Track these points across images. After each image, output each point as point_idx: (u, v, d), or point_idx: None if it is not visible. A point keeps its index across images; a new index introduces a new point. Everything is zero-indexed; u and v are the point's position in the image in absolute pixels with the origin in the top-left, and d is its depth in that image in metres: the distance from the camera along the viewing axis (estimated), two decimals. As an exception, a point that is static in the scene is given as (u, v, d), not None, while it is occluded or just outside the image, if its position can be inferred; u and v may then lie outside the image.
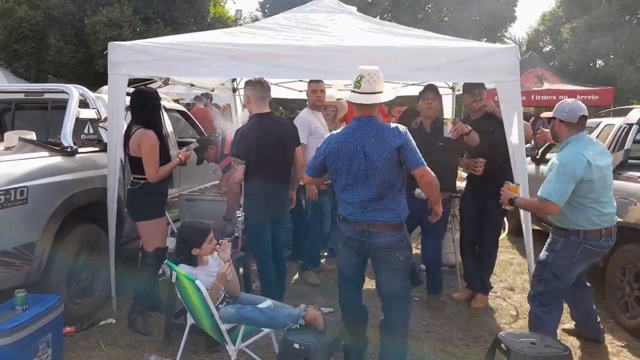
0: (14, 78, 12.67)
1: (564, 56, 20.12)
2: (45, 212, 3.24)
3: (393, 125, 2.72)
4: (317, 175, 2.91)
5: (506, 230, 6.34)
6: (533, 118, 11.59)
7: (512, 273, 5.01)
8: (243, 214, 3.77)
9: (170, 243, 3.78)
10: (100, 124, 4.04)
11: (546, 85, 11.81)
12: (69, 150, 3.57)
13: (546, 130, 3.68)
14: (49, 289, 3.28)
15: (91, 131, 4.18)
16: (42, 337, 2.89)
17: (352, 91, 2.72)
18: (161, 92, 4.09)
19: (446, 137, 3.66)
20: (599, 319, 3.46)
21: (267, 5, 22.59)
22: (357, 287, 3.04)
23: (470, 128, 3.67)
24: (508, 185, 3.10)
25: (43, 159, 3.38)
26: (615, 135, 4.26)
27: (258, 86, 3.53)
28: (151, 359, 3.10)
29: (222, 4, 18.37)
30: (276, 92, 6.33)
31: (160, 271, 3.79)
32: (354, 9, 5.05)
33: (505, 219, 5.92)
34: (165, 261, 3.00)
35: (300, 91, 6.25)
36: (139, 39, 4.01)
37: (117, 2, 14.25)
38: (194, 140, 4.65)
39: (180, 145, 4.91)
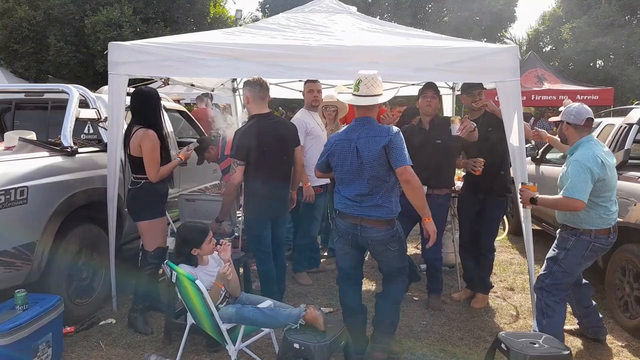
0: (14, 78, 12.68)
1: (564, 56, 20.06)
2: (46, 212, 3.23)
3: (387, 126, 2.89)
4: (325, 171, 3.13)
5: (506, 230, 6.34)
6: (533, 118, 11.59)
7: (512, 273, 5.02)
8: (243, 214, 3.77)
9: (170, 243, 3.78)
10: (100, 124, 4.04)
11: (546, 85, 11.80)
12: (69, 150, 3.57)
13: (541, 130, 3.80)
14: (49, 289, 3.28)
15: (91, 131, 4.19)
16: (42, 337, 2.89)
17: (352, 94, 2.93)
18: (161, 92, 4.09)
19: (448, 135, 3.66)
20: (600, 315, 3.48)
21: (267, 5, 22.57)
22: (355, 283, 3.15)
23: (475, 125, 3.69)
24: (526, 185, 3.20)
25: (43, 159, 3.38)
26: (616, 135, 4.27)
27: (257, 86, 3.53)
28: (151, 359, 3.11)
29: (222, 4, 18.32)
30: (276, 92, 6.33)
31: (161, 271, 3.79)
32: (354, 9, 5.04)
33: (505, 218, 5.91)
34: (166, 261, 3.00)
35: (300, 91, 6.24)
36: (139, 39, 4.01)
37: (117, 2, 14.22)
38: (194, 140, 4.65)
39: (180, 145, 4.91)
